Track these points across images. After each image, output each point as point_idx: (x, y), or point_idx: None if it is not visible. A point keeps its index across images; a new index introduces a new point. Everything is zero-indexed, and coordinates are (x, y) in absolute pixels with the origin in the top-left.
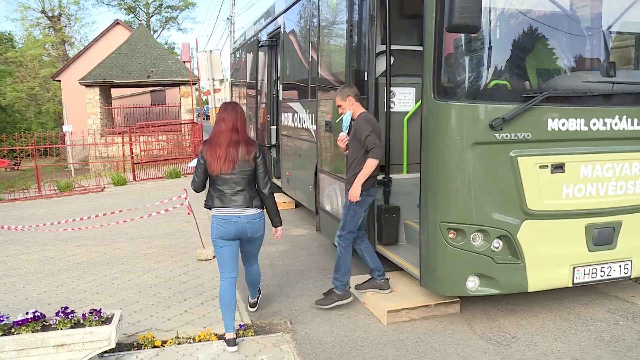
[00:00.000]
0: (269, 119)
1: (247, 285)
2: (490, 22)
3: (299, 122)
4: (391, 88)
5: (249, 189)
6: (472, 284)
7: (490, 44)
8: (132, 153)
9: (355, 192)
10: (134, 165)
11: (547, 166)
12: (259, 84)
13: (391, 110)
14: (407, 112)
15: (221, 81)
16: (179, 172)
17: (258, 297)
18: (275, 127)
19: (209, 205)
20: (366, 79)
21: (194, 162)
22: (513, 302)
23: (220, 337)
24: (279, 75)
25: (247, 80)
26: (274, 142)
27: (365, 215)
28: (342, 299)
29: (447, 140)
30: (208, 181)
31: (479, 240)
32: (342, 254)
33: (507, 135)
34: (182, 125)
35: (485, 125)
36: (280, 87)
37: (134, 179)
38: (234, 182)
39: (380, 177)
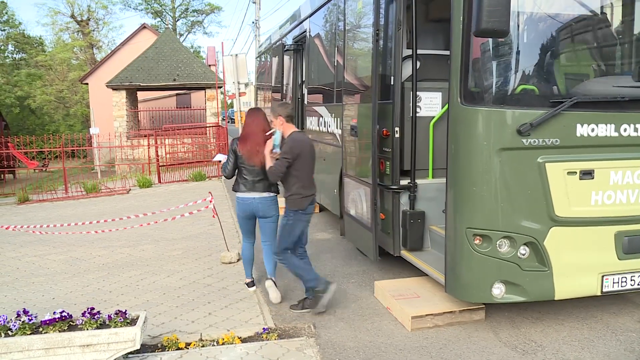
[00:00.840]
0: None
1: (265, 263)
2: (518, 25)
3: (324, 126)
4: (417, 92)
5: (267, 177)
6: (498, 291)
7: (518, 48)
8: (157, 155)
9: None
10: (159, 168)
11: (576, 172)
12: (284, 87)
13: (417, 114)
14: (433, 116)
15: (246, 85)
16: (204, 175)
17: (275, 281)
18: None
19: (235, 189)
20: (392, 83)
21: (218, 157)
22: (539, 309)
23: (244, 340)
24: (304, 79)
25: (272, 84)
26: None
27: (305, 232)
28: (326, 291)
29: (474, 145)
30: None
31: (505, 247)
32: (292, 267)
33: (534, 141)
34: (207, 129)
35: (512, 131)
36: (305, 90)
37: (159, 182)
38: (257, 173)
39: (405, 182)
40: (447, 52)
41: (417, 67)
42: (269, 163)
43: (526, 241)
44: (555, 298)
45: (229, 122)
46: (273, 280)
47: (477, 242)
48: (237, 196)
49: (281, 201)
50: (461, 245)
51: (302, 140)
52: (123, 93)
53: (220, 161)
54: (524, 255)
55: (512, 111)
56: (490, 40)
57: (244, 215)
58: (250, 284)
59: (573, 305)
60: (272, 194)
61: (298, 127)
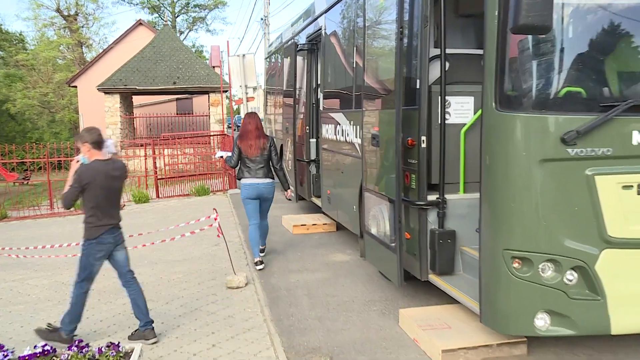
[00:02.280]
0: (307, 131)
1: (259, 236)
2: (562, 19)
3: (342, 135)
4: (446, 97)
5: (266, 165)
6: (542, 323)
7: (562, 44)
8: (155, 167)
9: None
10: (158, 181)
11: (632, 186)
12: (297, 91)
13: (446, 122)
14: (465, 124)
15: (254, 88)
16: (208, 190)
17: (264, 248)
18: (314, 140)
19: (239, 177)
20: (418, 86)
21: (220, 153)
22: (592, 345)
23: None
24: (319, 82)
25: (284, 88)
26: (313, 156)
27: (99, 265)
28: (62, 342)
29: (512, 156)
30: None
31: (549, 272)
32: (73, 299)
33: (582, 151)
34: (211, 137)
35: (555, 139)
36: (320, 95)
37: (158, 196)
38: (258, 162)
39: (433, 198)
40: (480, 51)
41: (446, 68)
42: (65, 188)
43: (574, 265)
44: (612, 333)
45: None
46: (263, 249)
47: (516, 265)
48: (242, 182)
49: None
50: (498, 270)
51: (96, 169)
52: (117, 97)
53: (222, 157)
54: (571, 281)
55: (555, 117)
56: (529, 37)
57: (250, 197)
58: (259, 263)
59: (637, 341)
60: (271, 180)
61: (312, 136)
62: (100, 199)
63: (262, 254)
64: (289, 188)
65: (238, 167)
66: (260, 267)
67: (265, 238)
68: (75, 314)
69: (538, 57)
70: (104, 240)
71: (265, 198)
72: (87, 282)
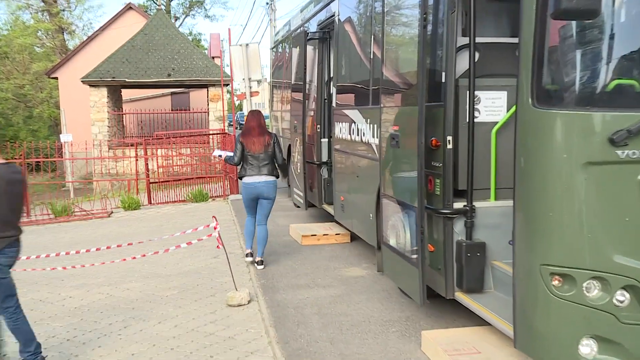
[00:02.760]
0: (318, 130)
1: (257, 244)
2: (612, 1)
3: (357, 134)
4: (475, 92)
5: (271, 163)
6: (588, 350)
7: (612, 31)
8: (147, 170)
9: None
10: (150, 185)
11: None
12: (307, 86)
13: (475, 120)
14: (496, 122)
15: (259, 82)
16: (206, 195)
17: (263, 259)
18: (326, 140)
19: (241, 175)
20: (443, 80)
21: (216, 152)
22: None
23: None
24: (332, 75)
25: (292, 82)
26: (325, 158)
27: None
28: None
29: (551, 159)
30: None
31: (595, 291)
32: (10, 326)
33: (634, 153)
34: (210, 136)
35: (602, 140)
36: (333, 90)
37: (150, 202)
38: (262, 159)
39: (460, 205)
40: (515, 40)
41: (476, 59)
42: None
43: (625, 284)
44: None
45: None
46: (262, 260)
47: (555, 283)
48: (243, 181)
49: None
50: (535, 288)
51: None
52: (104, 91)
53: (220, 156)
54: (622, 302)
55: (602, 114)
56: (573, 23)
57: (249, 197)
58: (250, 255)
59: None
60: (274, 179)
61: (324, 135)
62: (3, 207)
63: (260, 266)
64: (286, 176)
65: (240, 165)
66: (250, 259)
67: (264, 246)
68: (25, 335)
69: (583, 46)
70: (8, 254)
71: (265, 197)
72: (9, 300)
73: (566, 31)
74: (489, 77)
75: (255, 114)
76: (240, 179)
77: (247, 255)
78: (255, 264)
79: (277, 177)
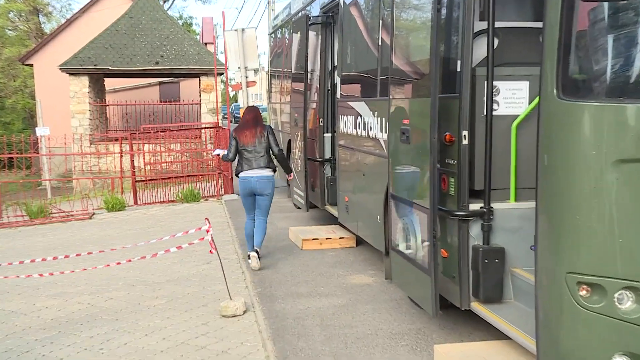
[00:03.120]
0: (321, 124)
1: (255, 234)
2: None
3: (364, 129)
4: (494, 82)
5: (267, 155)
6: None
7: None
8: (133, 167)
9: None
10: (136, 184)
11: None
12: (309, 75)
13: (494, 113)
14: (517, 115)
15: (256, 71)
16: (198, 195)
17: (258, 252)
18: (330, 135)
19: (237, 172)
20: (458, 69)
21: (217, 151)
22: None
23: None
24: (336, 64)
25: (292, 71)
26: (328, 155)
27: None
28: None
29: (578, 156)
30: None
31: (628, 302)
32: None
33: None
34: (203, 131)
35: (636, 135)
36: (337, 80)
37: (135, 203)
38: (257, 151)
39: (477, 207)
40: (539, 24)
41: (495, 46)
42: None
43: None
44: None
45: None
46: (257, 251)
47: (583, 293)
48: (239, 177)
49: None
50: (560, 298)
51: None
52: (85, 80)
53: (219, 155)
54: None
55: (636, 106)
56: (605, 4)
57: (244, 193)
58: (250, 258)
59: None
60: (270, 173)
61: (327, 130)
62: None
63: (255, 262)
64: (290, 172)
65: (237, 161)
66: (254, 263)
67: (261, 237)
68: None
69: (615, 30)
70: None
71: (260, 193)
72: None
73: (597, 14)
74: (509, 66)
75: (251, 109)
76: (237, 176)
77: (248, 257)
78: (249, 256)
79: (274, 170)
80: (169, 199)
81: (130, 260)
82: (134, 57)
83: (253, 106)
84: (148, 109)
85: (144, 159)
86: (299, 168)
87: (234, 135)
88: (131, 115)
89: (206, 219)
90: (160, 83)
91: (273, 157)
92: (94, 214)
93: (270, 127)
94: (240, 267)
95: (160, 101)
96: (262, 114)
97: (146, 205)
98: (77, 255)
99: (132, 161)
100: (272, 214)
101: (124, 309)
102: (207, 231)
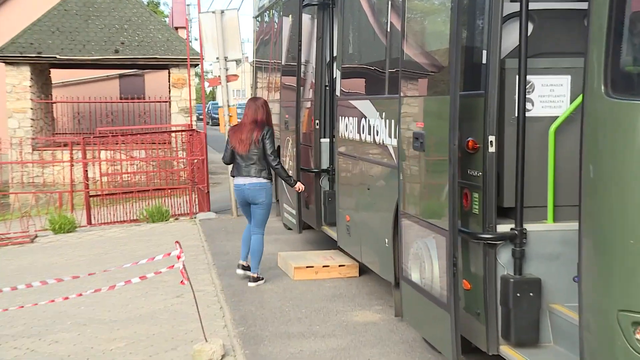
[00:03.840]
0: (317, 127)
1: (251, 256)
2: None
3: (369, 133)
4: (528, 76)
5: (259, 162)
6: None
7: None
8: (86, 179)
9: None
10: (89, 200)
11: None
12: (302, 68)
13: (527, 114)
14: (556, 117)
15: (238, 62)
16: (167, 213)
17: (258, 276)
18: (327, 140)
19: (232, 175)
20: (484, 61)
21: None
22: None
23: None
24: (335, 54)
25: (283, 62)
26: (325, 165)
27: None
28: None
29: (632, 166)
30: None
31: None
32: None
33: None
34: (173, 135)
35: None
36: (337, 74)
37: (89, 223)
38: (248, 157)
39: (506, 229)
40: (584, 4)
41: (529, 32)
42: None
43: None
44: None
45: (208, 123)
46: (253, 277)
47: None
48: (233, 182)
49: None
50: (610, 342)
51: None
52: (25, 71)
53: None
54: None
55: None
56: None
57: (239, 201)
58: (242, 267)
59: None
60: (263, 181)
61: (324, 134)
62: None
63: (252, 283)
64: (295, 182)
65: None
66: (241, 272)
67: (257, 260)
68: None
69: None
70: None
71: (253, 201)
72: None
73: None
74: (546, 57)
75: (251, 104)
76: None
77: (238, 266)
78: (248, 281)
79: (269, 179)
80: (131, 218)
81: (81, 294)
82: (88, 43)
83: (254, 98)
84: (105, 108)
85: (100, 168)
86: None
87: (229, 136)
88: (84, 115)
89: (177, 242)
90: (121, 76)
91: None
92: (36, 236)
93: (269, 129)
94: (218, 300)
95: (121, 98)
96: (266, 107)
97: (102, 225)
98: (12, 289)
99: (85, 171)
100: None
101: (72, 354)
102: (178, 257)
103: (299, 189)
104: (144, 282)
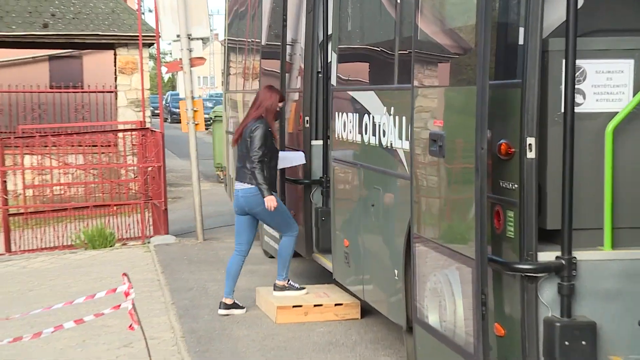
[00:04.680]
0: (307, 125)
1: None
2: None
3: (373, 134)
4: (577, 61)
5: (246, 166)
6: None
7: None
8: (4, 192)
9: None
10: (8, 220)
11: None
12: (288, 49)
13: (577, 109)
14: (616, 113)
15: (205, 41)
16: (111, 236)
17: (286, 281)
18: (320, 142)
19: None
20: (521, 41)
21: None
22: None
23: None
24: (330, 31)
25: (263, 42)
26: (318, 175)
27: None
28: None
29: None
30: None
31: None
32: None
33: None
34: (120, 135)
35: None
36: (333, 58)
37: (7, 250)
38: (240, 157)
39: (550, 257)
40: None
41: (579, 4)
42: None
43: None
44: None
45: (167, 120)
46: (279, 285)
47: None
48: None
49: None
50: None
51: None
52: None
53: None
54: None
55: None
56: None
57: (235, 210)
58: (225, 306)
59: None
60: (252, 186)
61: (316, 134)
62: None
63: (276, 292)
64: (268, 194)
65: None
66: (224, 312)
67: (283, 265)
68: None
69: None
70: None
71: (250, 212)
72: None
73: None
74: (602, 35)
75: (262, 94)
76: None
77: (220, 305)
78: (274, 290)
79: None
80: (65, 244)
81: None
82: (7, 15)
83: (269, 87)
84: (31, 99)
85: (23, 179)
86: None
87: None
88: (2, 109)
89: (124, 275)
90: (51, 58)
91: None
92: None
93: (261, 121)
94: (178, 350)
95: (51, 87)
96: (273, 95)
97: (26, 253)
98: None
99: (4, 183)
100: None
101: None
102: (126, 295)
103: (269, 206)
104: (80, 328)
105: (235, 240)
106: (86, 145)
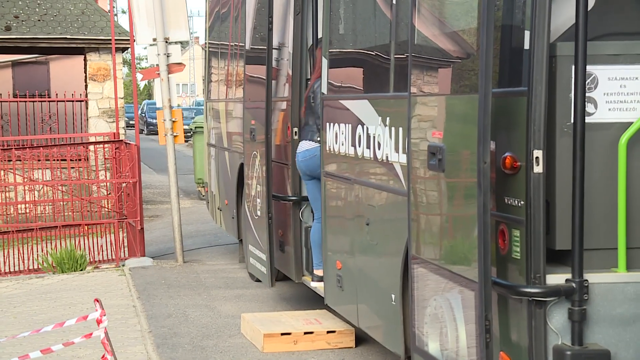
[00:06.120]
0: (295, 137)
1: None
2: None
3: (367, 147)
4: (588, 67)
5: None
6: None
7: None
8: None
9: None
10: None
11: None
12: (274, 54)
13: (588, 119)
14: (630, 124)
15: (184, 45)
16: (82, 259)
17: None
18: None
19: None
20: (527, 46)
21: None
22: None
23: None
24: (320, 34)
25: (247, 46)
26: (307, 191)
27: None
28: None
29: None
30: None
31: None
32: None
33: None
34: (92, 148)
35: None
36: (324, 63)
37: None
38: (308, 114)
39: (560, 280)
40: None
41: (590, 6)
42: None
43: None
44: None
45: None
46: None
47: None
48: None
49: None
50: None
51: None
52: None
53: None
54: None
55: None
56: None
57: (302, 177)
58: (317, 279)
59: None
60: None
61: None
62: None
63: (314, 283)
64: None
65: None
66: (316, 284)
67: (316, 254)
68: None
69: None
70: None
71: (313, 174)
72: None
73: None
74: (614, 39)
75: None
76: None
77: (313, 278)
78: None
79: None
80: (31, 268)
81: None
82: None
83: None
84: None
85: None
86: (259, 213)
87: None
88: None
89: (96, 300)
90: (15, 64)
91: None
92: None
93: None
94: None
95: (15, 95)
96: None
97: None
98: None
99: None
100: (210, 291)
101: None
102: (99, 322)
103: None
104: (48, 358)
105: (312, 208)
106: (54, 160)
